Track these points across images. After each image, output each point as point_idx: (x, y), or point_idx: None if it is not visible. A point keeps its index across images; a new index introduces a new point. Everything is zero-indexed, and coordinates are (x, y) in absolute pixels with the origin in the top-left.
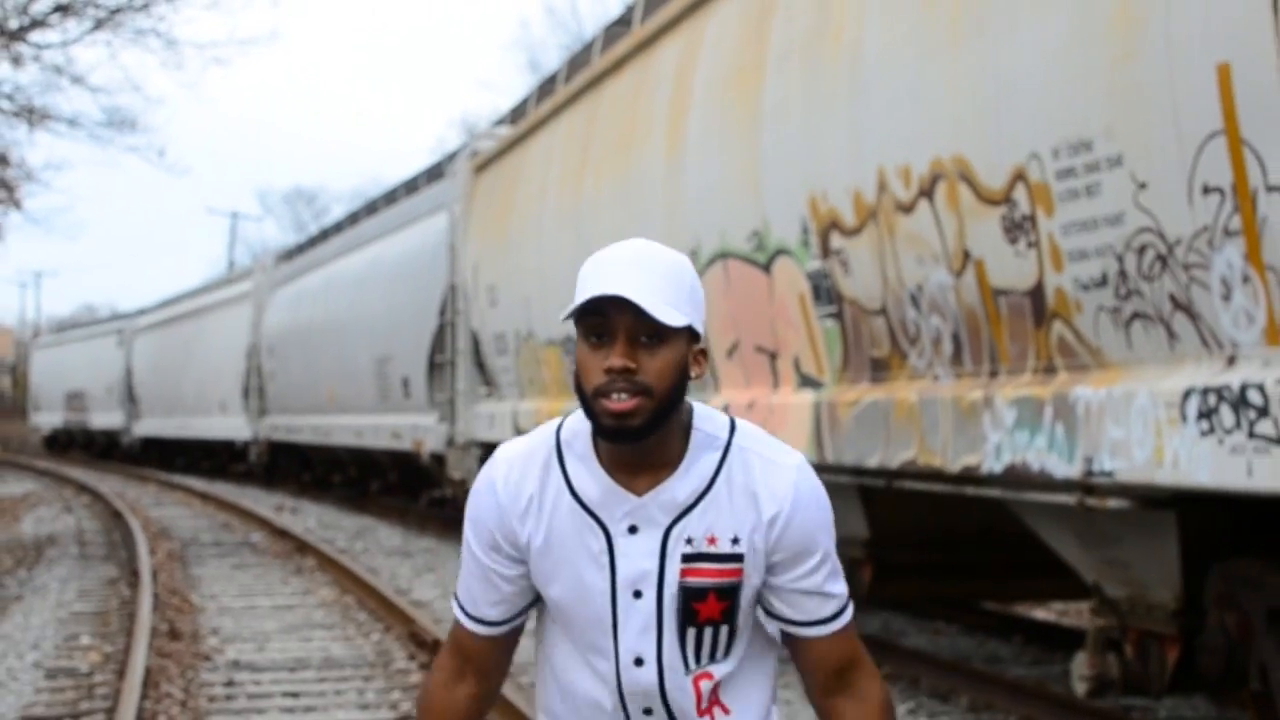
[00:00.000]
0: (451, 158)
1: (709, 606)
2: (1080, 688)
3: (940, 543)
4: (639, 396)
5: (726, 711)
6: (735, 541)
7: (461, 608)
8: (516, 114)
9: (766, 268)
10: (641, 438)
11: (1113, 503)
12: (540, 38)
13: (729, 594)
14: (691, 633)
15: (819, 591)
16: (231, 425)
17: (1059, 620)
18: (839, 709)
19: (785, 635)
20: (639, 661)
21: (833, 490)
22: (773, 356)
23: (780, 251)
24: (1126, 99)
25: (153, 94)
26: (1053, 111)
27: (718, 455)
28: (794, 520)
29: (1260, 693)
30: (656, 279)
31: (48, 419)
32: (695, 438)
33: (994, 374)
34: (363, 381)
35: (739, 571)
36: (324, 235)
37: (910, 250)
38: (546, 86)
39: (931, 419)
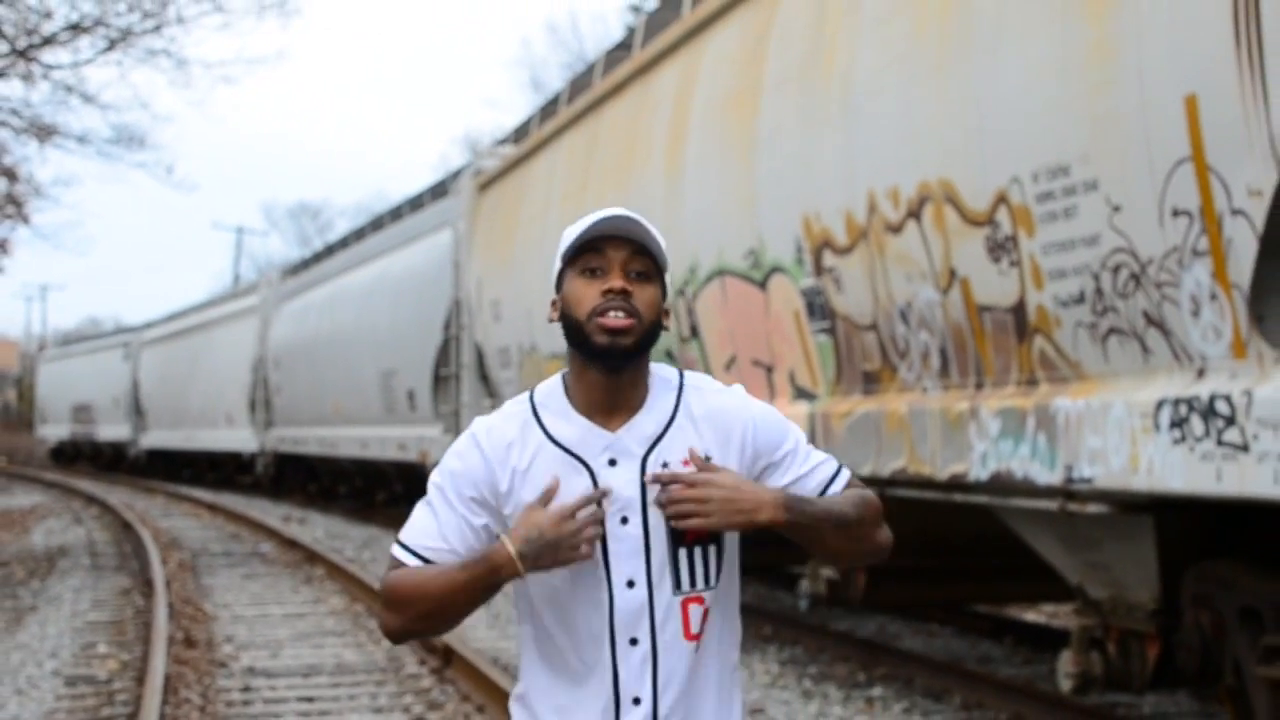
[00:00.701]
0: (456, 175)
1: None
2: (1065, 685)
3: (933, 549)
4: (633, 318)
5: (702, 640)
6: (708, 459)
7: (405, 547)
8: (520, 134)
9: (762, 285)
10: (630, 357)
11: (1092, 508)
12: (542, 56)
13: None
14: (683, 554)
15: (813, 469)
16: (238, 437)
17: (1049, 622)
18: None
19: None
20: (630, 584)
21: None
22: (769, 370)
23: (775, 269)
24: (1102, 126)
25: (161, 111)
26: (1033, 137)
27: (674, 394)
28: (759, 428)
29: (1234, 688)
30: (643, 229)
31: (54, 431)
32: (654, 383)
33: (979, 386)
34: (368, 394)
35: None
36: (330, 250)
37: (899, 269)
38: (549, 107)
39: (921, 429)
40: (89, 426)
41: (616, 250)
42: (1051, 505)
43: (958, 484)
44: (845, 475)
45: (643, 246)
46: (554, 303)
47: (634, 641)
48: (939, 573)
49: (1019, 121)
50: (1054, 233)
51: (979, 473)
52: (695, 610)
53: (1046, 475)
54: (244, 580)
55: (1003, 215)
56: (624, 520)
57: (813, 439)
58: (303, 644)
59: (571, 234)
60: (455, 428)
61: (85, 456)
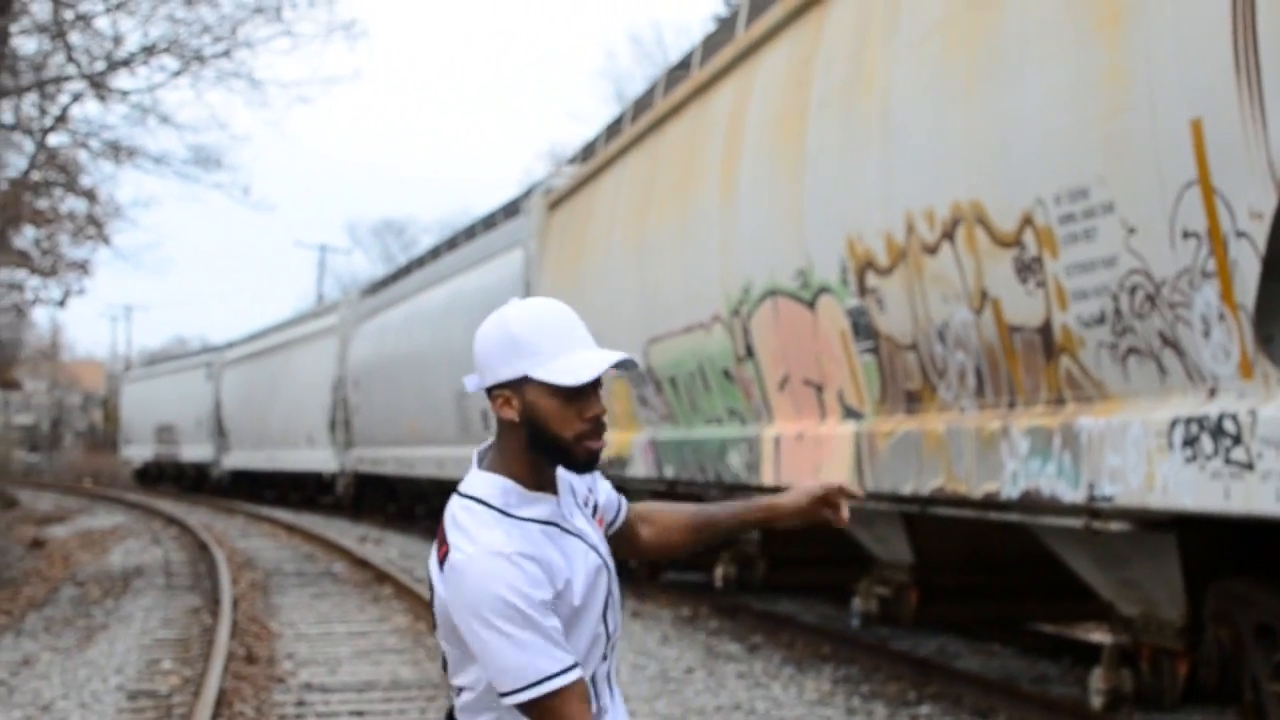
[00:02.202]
0: (527, 194)
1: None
2: (1096, 701)
3: (984, 566)
4: (604, 432)
5: None
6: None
7: (555, 675)
8: (587, 153)
9: (811, 305)
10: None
11: (1115, 525)
12: (626, 68)
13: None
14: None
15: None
16: (319, 458)
17: (1106, 640)
18: (653, 522)
19: (617, 535)
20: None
21: (877, 517)
22: (819, 389)
23: (823, 289)
24: (1117, 149)
25: (238, 132)
26: (1054, 159)
27: None
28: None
29: (1255, 704)
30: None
31: (139, 452)
32: None
33: (1012, 405)
34: (444, 414)
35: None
36: (406, 270)
37: (936, 289)
38: (614, 127)
39: (957, 448)
40: (172, 447)
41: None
42: (1077, 523)
43: (991, 502)
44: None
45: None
46: (506, 398)
47: (604, 658)
48: (991, 590)
49: (1041, 143)
50: (1076, 254)
51: (1010, 491)
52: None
53: (1071, 493)
54: (312, 599)
55: (1029, 236)
56: (606, 567)
57: (858, 460)
58: (361, 661)
59: (539, 346)
60: None
61: (169, 477)
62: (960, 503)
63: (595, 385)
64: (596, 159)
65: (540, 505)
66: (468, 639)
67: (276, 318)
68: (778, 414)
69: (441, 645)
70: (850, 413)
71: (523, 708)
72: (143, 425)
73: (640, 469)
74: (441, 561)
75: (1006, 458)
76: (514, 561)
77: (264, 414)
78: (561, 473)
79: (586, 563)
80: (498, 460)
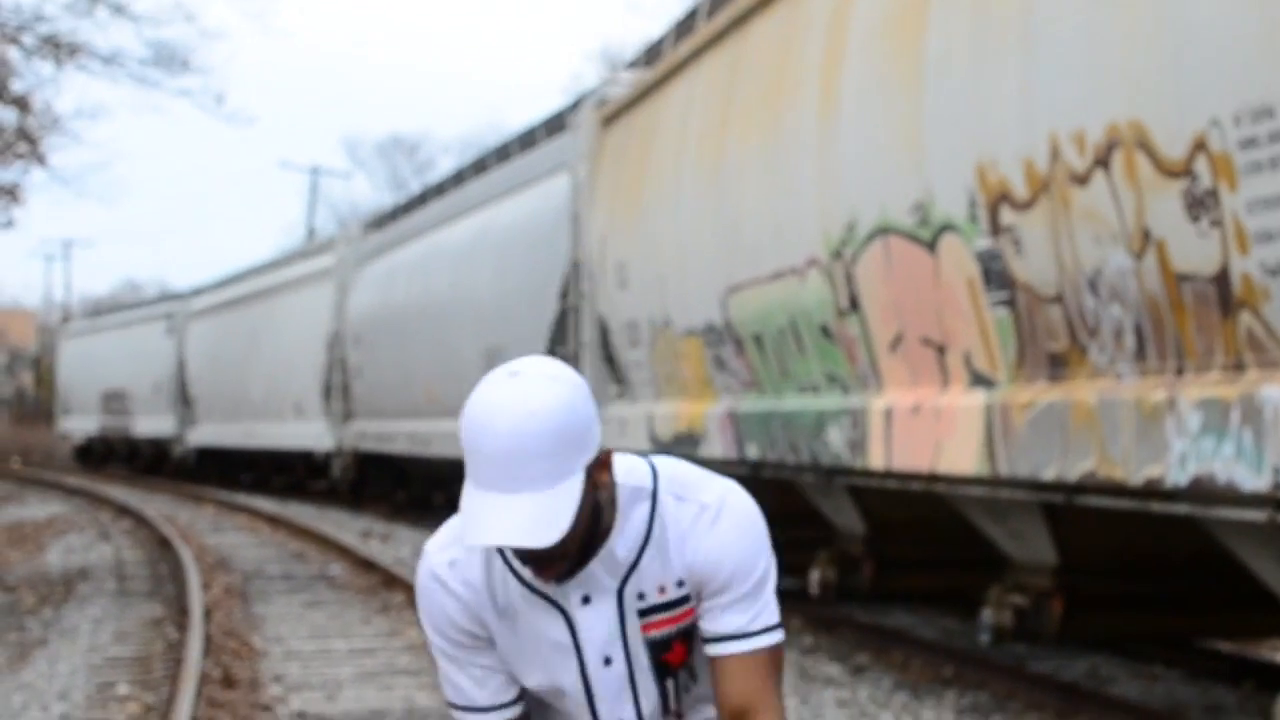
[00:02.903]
0: (575, 106)
1: (676, 653)
2: None
3: (1145, 569)
4: (556, 563)
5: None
6: (680, 584)
7: (460, 707)
8: (652, 55)
9: (931, 246)
10: (579, 570)
11: None
12: None
13: (689, 634)
14: (670, 683)
15: (740, 605)
16: (309, 432)
17: None
18: None
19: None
20: None
21: (1011, 508)
22: (941, 350)
23: (946, 227)
24: None
25: (210, 25)
26: (1235, 71)
27: (648, 505)
28: (715, 557)
29: None
30: (533, 470)
31: (80, 424)
32: (622, 495)
33: (1179, 371)
34: (469, 378)
35: (691, 611)
36: (422, 199)
37: (1087, 228)
38: (685, 24)
39: (1112, 424)
40: (123, 419)
41: None
42: (1260, 516)
43: (1154, 491)
44: (753, 644)
45: None
46: None
47: None
48: (1153, 600)
49: (1219, 52)
50: (1260, 186)
51: (1177, 477)
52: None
53: (1253, 480)
54: (304, 609)
55: (1202, 165)
56: (607, 661)
57: (988, 438)
58: (368, 685)
59: (466, 459)
60: None
61: (119, 457)
62: (1115, 491)
63: None
64: (663, 63)
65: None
66: None
67: (256, 258)
68: (889, 381)
69: None
70: (979, 380)
71: None
72: (85, 391)
73: (716, 447)
74: None
75: (1173, 436)
76: (429, 587)
77: (240, 378)
78: (683, 531)
79: (541, 631)
80: None
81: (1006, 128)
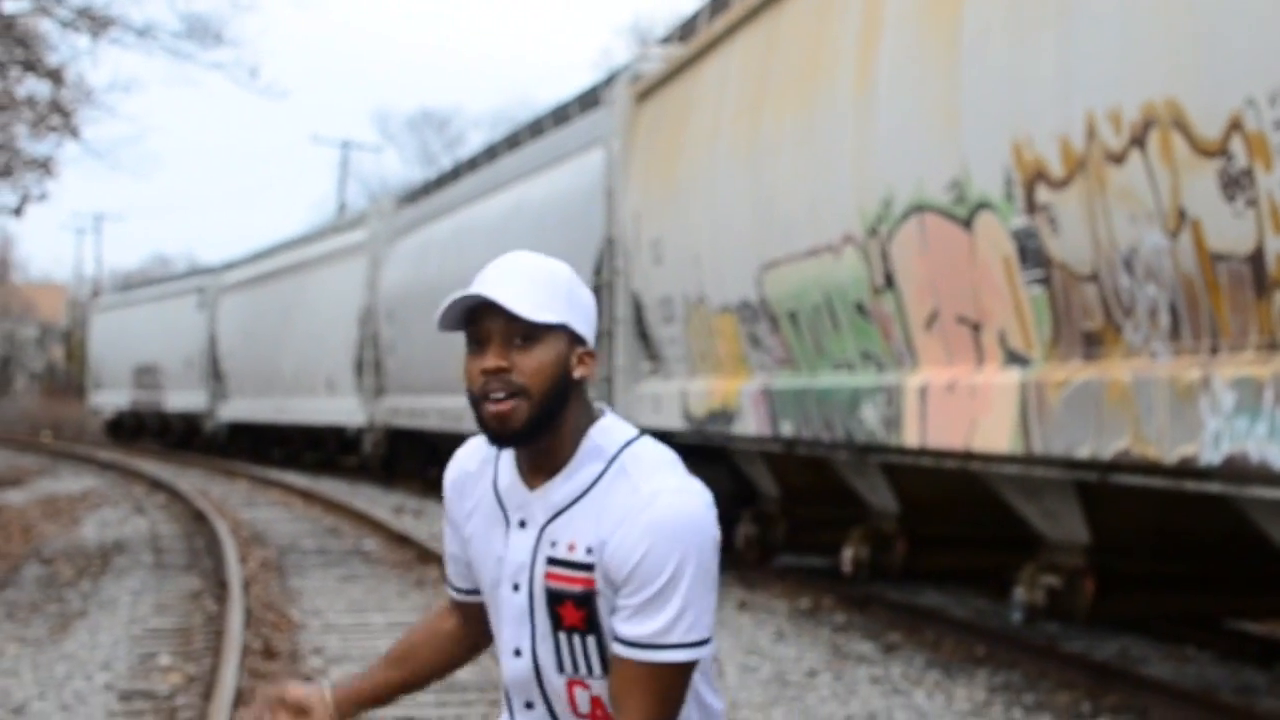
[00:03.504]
0: (609, 82)
1: (569, 613)
2: None
3: (1178, 549)
4: (515, 398)
5: None
6: (589, 551)
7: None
8: (686, 30)
9: (967, 224)
10: (524, 440)
11: None
12: None
13: (584, 602)
14: (562, 637)
15: (640, 614)
16: (341, 408)
17: None
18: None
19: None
20: (518, 652)
21: (1045, 487)
22: (976, 328)
23: (982, 205)
24: None
25: None
26: (1271, 51)
27: (599, 467)
28: (630, 544)
29: None
30: (525, 283)
31: (111, 399)
32: (585, 446)
33: (1214, 350)
34: None
35: (590, 582)
36: (455, 173)
37: (1122, 207)
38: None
39: (1146, 402)
40: (155, 393)
41: (492, 320)
42: None
43: (1188, 470)
44: (648, 656)
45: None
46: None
47: (529, 705)
48: (1185, 580)
49: (1255, 31)
50: None
51: (1211, 456)
52: (581, 693)
53: None
54: (341, 583)
55: (1237, 144)
56: (515, 587)
57: (1023, 416)
58: None
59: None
60: (607, 396)
61: (150, 431)
62: (1149, 470)
63: (498, 334)
64: (698, 39)
65: (507, 475)
66: None
67: (286, 232)
68: (924, 358)
69: None
70: (1014, 358)
71: None
72: (117, 366)
73: (750, 424)
74: None
75: (1207, 415)
76: (451, 464)
77: (272, 353)
78: (626, 501)
79: (489, 538)
80: None
81: (1043, 106)
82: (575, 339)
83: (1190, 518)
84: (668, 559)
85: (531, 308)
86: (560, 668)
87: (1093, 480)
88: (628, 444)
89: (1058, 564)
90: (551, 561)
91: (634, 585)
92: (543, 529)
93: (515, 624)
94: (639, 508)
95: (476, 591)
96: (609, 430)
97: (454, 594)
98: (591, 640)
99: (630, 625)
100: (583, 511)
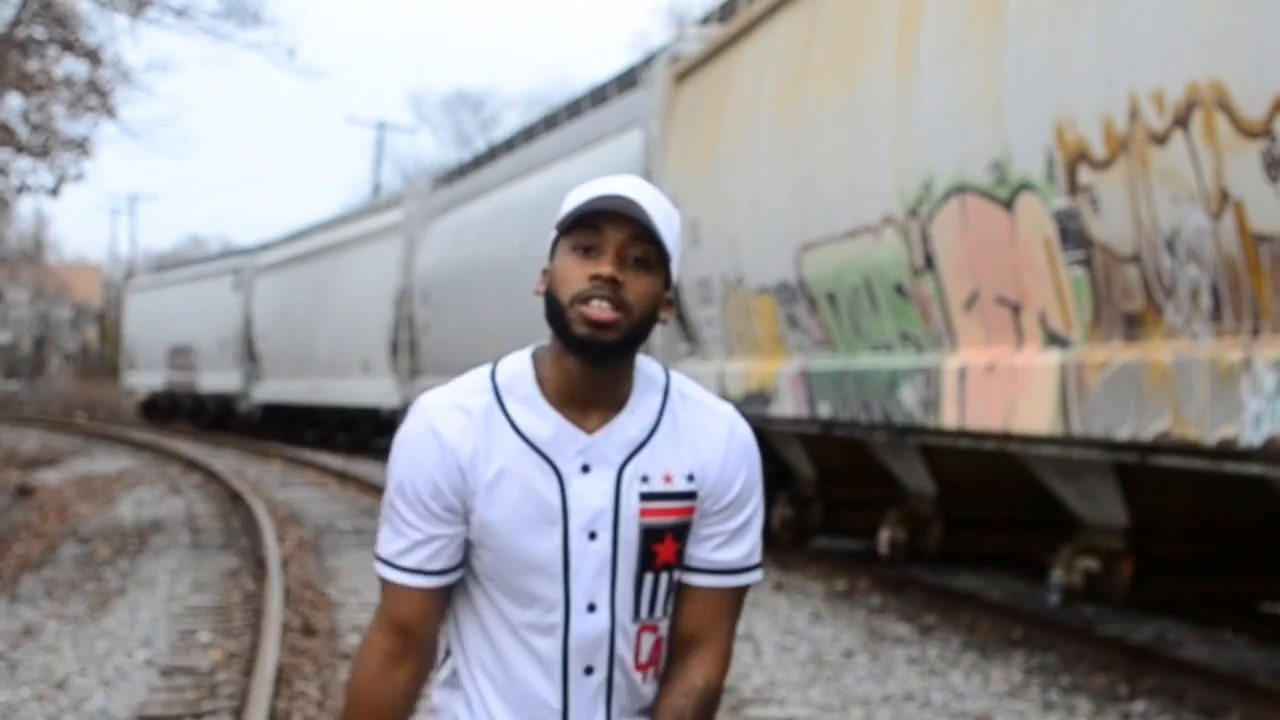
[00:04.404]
0: (648, 62)
1: (666, 548)
2: None
3: (1217, 532)
4: (619, 311)
5: (659, 670)
6: (690, 479)
7: (394, 565)
8: (726, 11)
9: (1008, 205)
10: (610, 356)
11: None
12: None
13: (682, 534)
14: (649, 578)
15: (735, 538)
16: (376, 389)
17: None
18: (667, 680)
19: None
20: (592, 607)
21: (1084, 468)
22: (1016, 309)
23: (1024, 186)
24: None
25: None
26: None
27: (658, 397)
28: (731, 468)
29: None
30: (657, 209)
31: (145, 380)
32: (639, 379)
33: (1256, 332)
34: (538, 334)
35: (692, 510)
36: (492, 154)
37: (1165, 188)
38: None
39: (1187, 384)
40: (189, 374)
41: (616, 230)
42: None
43: (1228, 451)
44: (735, 580)
45: (646, 230)
46: (544, 272)
47: (589, 670)
48: (1224, 563)
49: None
50: None
51: (1251, 437)
52: (648, 639)
53: None
54: None
55: None
56: (592, 536)
57: (1063, 397)
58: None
59: (572, 200)
60: None
61: (184, 412)
62: (1189, 451)
63: (620, 252)
64: (737, 19)
65: (541, 419)
66: None
67: (320, 214)
68: (963, 340)
69: None
70: (1054, 339)
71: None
72: (151, 347)
73: (788, 406)
74: None
75: (1248, 396)
76: (422, 437)
77: (307, 334)
78: (696, 427)
79: (530, 491)
80: (541, 353)
81: (1085, 86)
82: (667, 281)
83: (1229, 500)
84: (755, 479)
85: (665, 234)
86: (637, 614)
87: (1132, 462)
88: (666, 372)
89: (1095, 546)
90: (646, 497)
91: (734, 508)
92: (622, 467)
93: (593, 575)
94: (726, 430)
95: (459, 568)
96: (647, 363)
97: (430, 581)
98: (671, 577)
99: (724, 551)
100: (663, 441)
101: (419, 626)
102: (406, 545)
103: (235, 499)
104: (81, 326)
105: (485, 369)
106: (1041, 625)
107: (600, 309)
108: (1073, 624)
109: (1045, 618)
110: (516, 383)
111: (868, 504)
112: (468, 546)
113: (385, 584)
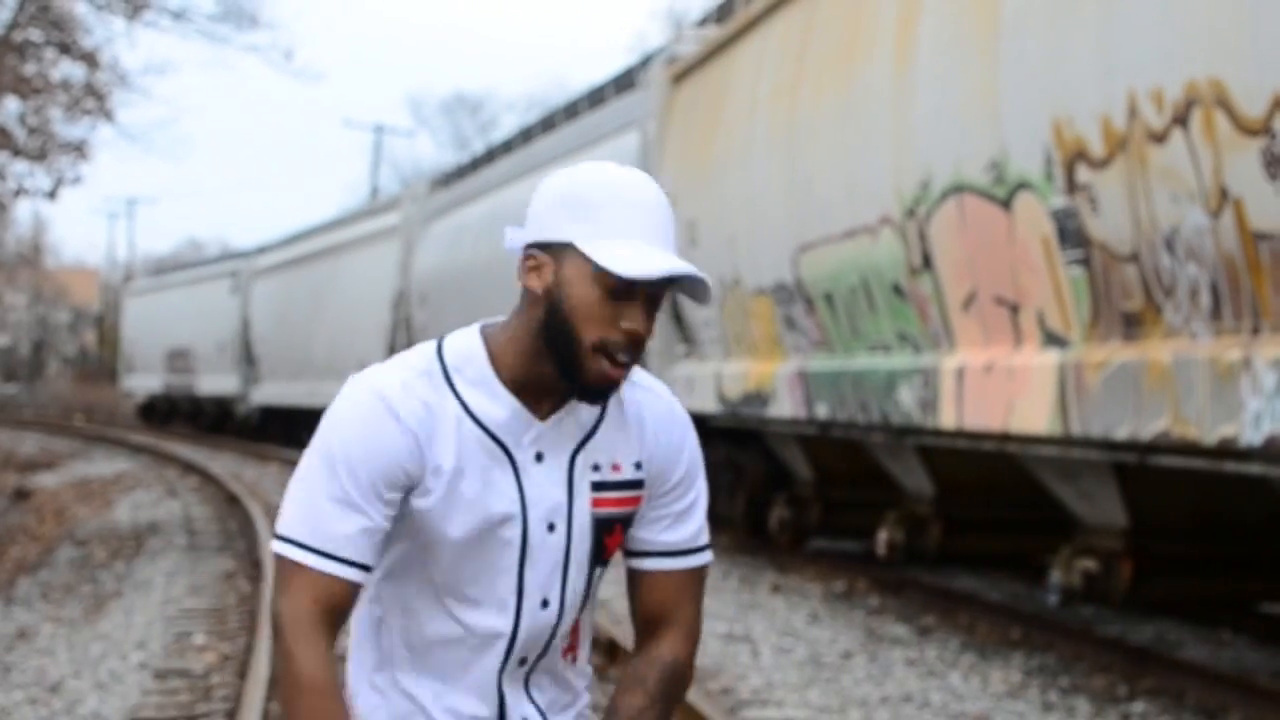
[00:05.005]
0: (645, 64)
1: (615, 539)
2: None
3: (1216, 532)
4: (635, 362)
5: (577, 654)
6: (638, 467)
7: (318, 551)
8: (723, 12)
9: (1006, 204)
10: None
11: None
12: None
13: (629, 524)
14: (598, 572)
15: (683, 518)
16: None
17: None
18: (635, 656)
19: (630, 571)
20: (545, 603)
21: (1083, 468)
22: (1014, 309)
23: (1022, 185)
24: None
25: None
26: None
27: None
28: (675, 447)
29: None
30: (670, 233)
31: (143, 383)
32: None
33: (1255, 331)
34: None
35: (639, 500)
36: (490, 156)
37: (1164, 186)
38: None
39: (1186, 383)
40: (187, 377)
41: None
42: None
43: (1228, 451)
44: (689, 561)
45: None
46: (537, 264)
47: (523, 661)
48: (1224, 563)
49: None
50: None
51: (1251, 437)
52: (573, 627)
53: None
54: None
55: None
56: (550, 528)
57: (1061, 397)
58: None
59: (596, 210)
60: None
61: (182, 414)
62: (1188, 451)
63: (649, 297)
64: (734, 20)
65: (495, 403)
66: None
67: (318, 216)
68: (961, 340)
69: None
70: (1053, 339)
71: (276, 557)
72: (149, 350)
73: (785, 407)
74: None
75: (1248, 395)
76: (376, 413)
77: (304, 337)
78: (643, 412)
79: (489, 483)
80: (493, 332)
81: (1084, 85)
82: None
83: (1228, 500)
84: (699, 458)
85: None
86: (581, 605)
87: (1131, 462)
88: None
89: (1094, 547)
90: (597, 486)
91: (680, 490)
92: (573, 456)
93: (549, 570)
94: (668, 413)
95: (373, 567)
96: None
97: (353, 574)
98: (601, 566)
99: (673, 532)
100: (611, 426)
101: (345, 610)
102: (352, 531)
103: (232, 501)
104: (80, 330)
105: (429, 346)
106: (1040, 626)
107: (619, 366)
108: (1072, 625)
109: (1044, 618)
110: (468, 364)
111: (866, 505)
112: (404, 546)
113: (307, 571)
